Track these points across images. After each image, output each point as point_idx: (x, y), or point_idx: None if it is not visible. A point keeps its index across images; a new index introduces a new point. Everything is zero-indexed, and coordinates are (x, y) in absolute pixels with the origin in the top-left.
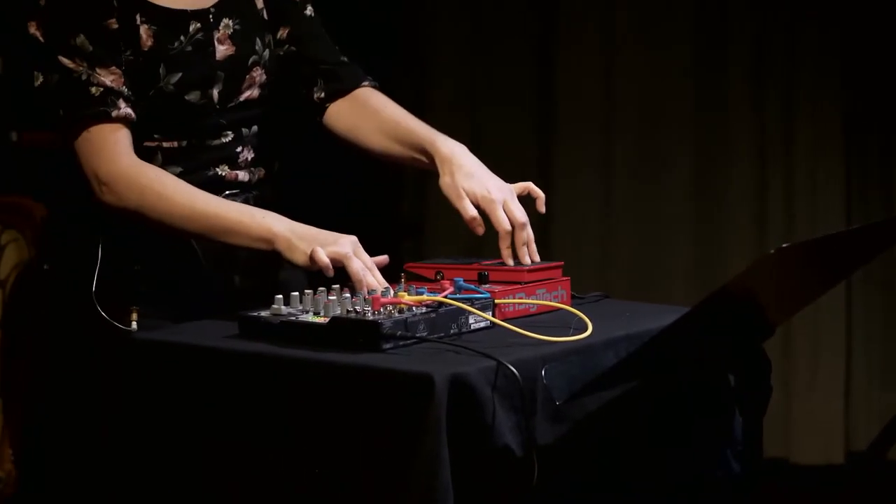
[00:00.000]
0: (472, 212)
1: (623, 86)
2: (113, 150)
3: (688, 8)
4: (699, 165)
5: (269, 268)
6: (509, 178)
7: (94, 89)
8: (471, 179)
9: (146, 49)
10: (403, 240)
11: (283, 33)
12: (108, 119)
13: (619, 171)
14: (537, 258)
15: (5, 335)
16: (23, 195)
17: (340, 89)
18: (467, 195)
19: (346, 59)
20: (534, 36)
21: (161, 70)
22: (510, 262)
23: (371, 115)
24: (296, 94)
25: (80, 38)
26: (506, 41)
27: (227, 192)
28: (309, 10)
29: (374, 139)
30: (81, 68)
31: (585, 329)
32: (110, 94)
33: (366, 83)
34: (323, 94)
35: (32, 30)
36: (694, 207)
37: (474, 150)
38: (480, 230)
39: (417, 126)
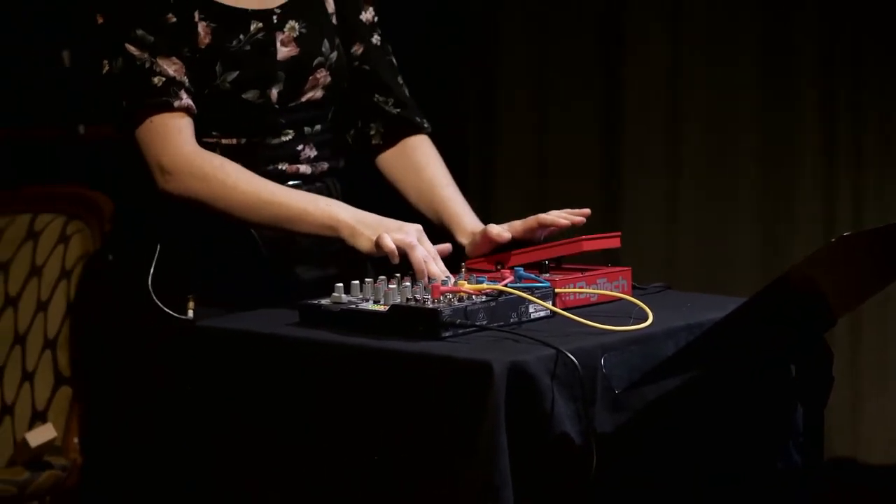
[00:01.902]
0: (497, 228)
1: (689, 86)
2: (176, 138)
3: (755, 8)
4: (765, 166)
5: (329, 258)
6: (576, 178)
7: (156, 79)
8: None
9: (203, 46)
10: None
11: (357, 49)
12: (171, 109)
13: (684, 172)
14: (585, 211)
15: (73, 325)
16: (89, 187)
17: (396, 137)
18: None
19: (406, 92)
20: (600, 37)
21: (218, 68)
22: (563, 220)
23: (413, 173)
24: (355, 120)
25: (140, 31)
26: (572, 42)
27: (290, 184)
28: (376, 39)
29: (411, 195)
30: (145, 57)
31: (646, 319)
32: (172, 85)
33: (419, 132)
34: (381, 141)
35: (99, 20)
36: (760, 208)
37: (540, 151)
38: (507, 235)
39: (450, 199)
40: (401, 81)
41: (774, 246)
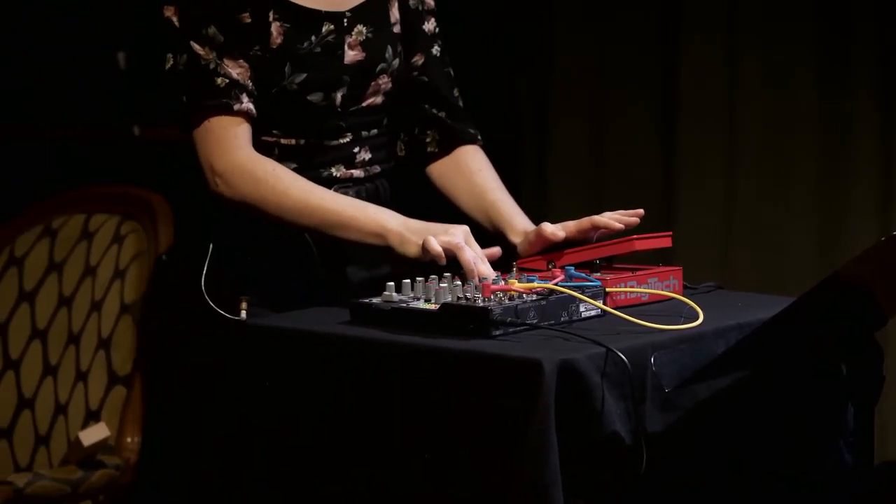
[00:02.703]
0: (552, 227)
1: (746, 89)
2: (231, 142)
3: (810, 15)
4: (821, 167)
5: (381, 259)
6: (633, 184)
7: (219, 80)
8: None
9: (275, 46)
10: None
11: (417, 59)
12: (230, 112)
13: (740, 172)
14: (639, 211)
15: (132, 324)
16: (143, 187)
17: (450, 146)
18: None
19: (461, 104)
20: (656, 41)
21: (287, 69)
22: (616, 224)
23: (465, 178)
24: (411, 128)
25: (212, 29)
26: (628, 46)
27: (337, 186)
28: (436, 49)
29: (463, 201)
30: (211, 57)
31: (696, 318)
32: (235, 87)
33: (473, 143)
34: (436, 149)
35: (168, 13)
36: (816, 209)
37: (597, 156)
38: (562, 234)
39: (501, 201)
40: (457, 94)
41: (829, 247)
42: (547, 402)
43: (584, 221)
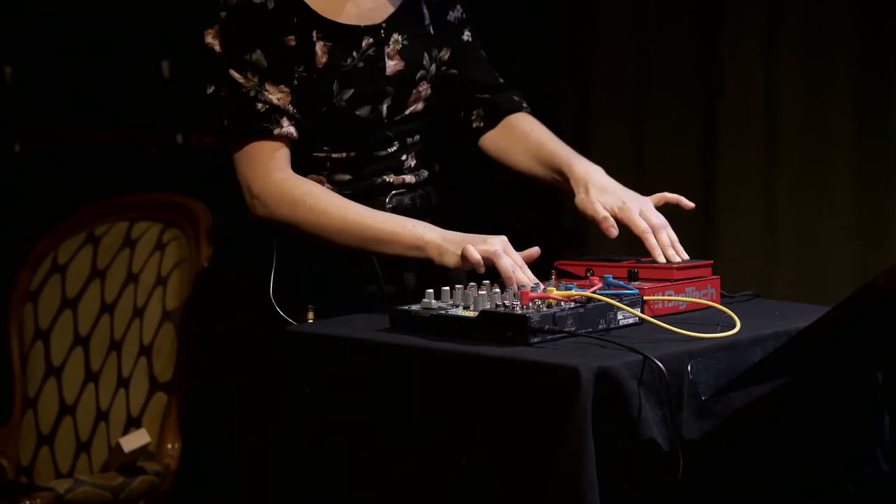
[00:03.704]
0: (603, 211)
1: (786, 96)
2: (269, 165)
3: (851, 23)
4: (862, 177)
5: (437, 267)
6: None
7: (260, 105)
8: (605, 193)
9: (321, 66)
10: (564, 247)
11: (445, 54)
12: (270, 136)
13: (782, 182)
14: (685, 255)
15: (174, 331)
16: (185, 195)
17: (497, 118)
18: (603, 207)
19: (502, 80)
20: (696, 54)
21: (335, 86)
22: (660, 258)
23: (519, 139)
24: (454, 116)
25: (257, 54)
26: (668, 58)
27: (394, 192)
28: (466, 35)
29: (521, 160)
30: (251, 83)
31: (733, 326)
32: (275, 112)
33: (519, 109)
34: (482, 124)
35: (209, 38)
36: (857, 219)
37: (637, 164)
38: (614, 231)
39: (559, 148)
40: (494, 72)
41: (871, 257)
42: (584, 408)
43: (639, 230)
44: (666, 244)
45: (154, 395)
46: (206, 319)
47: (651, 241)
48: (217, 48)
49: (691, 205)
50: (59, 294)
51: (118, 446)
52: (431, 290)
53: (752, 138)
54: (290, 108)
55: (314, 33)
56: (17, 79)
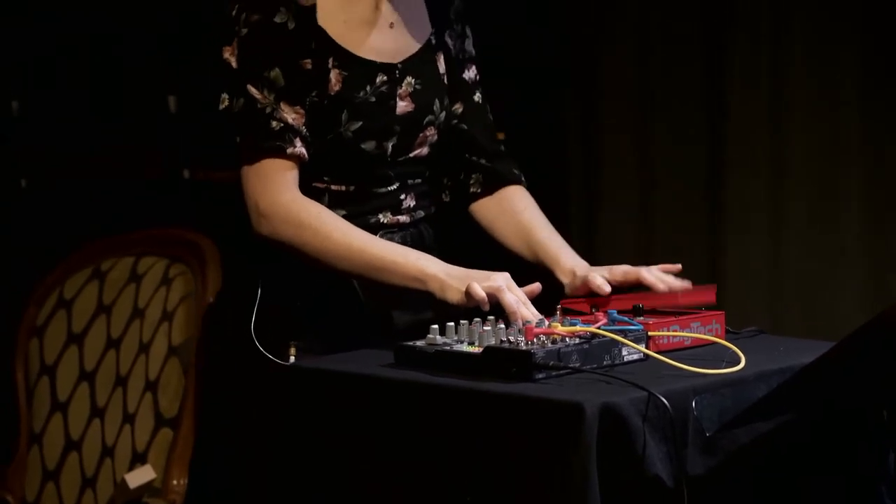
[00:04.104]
0: (599, 279)
1: (794, 133)
2: (278, 184)
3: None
4: (871, 213)
5: (425, 301)
6: (679, 226)
7: (274, 123)
8: (593, 270)
9: (333, 93)
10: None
11: (458, 107)
12: (282, 154)
13: (789, 221)
14: (687, 283)
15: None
16: (191, 229)
17: (494, 187)
18: (594, 276)
19: (503, 148)
20: (703, 75)
21: (344, 116)
22: (661, 285)
23: (510, 216)
24: (453, 173)
25: (275, 72)
26: (675, 81)
27: (384, 231)
28: (478, 97)
29: (509, 239)
30: (267, 101)
31: (738, 362)
32: (289, 131)
33: (516, 182)
34: (479, 190)
35: (227, 55)
36: (865, 254)
37: (645, 190)
38: (606, 288)
39: (548, 238)
40: (498, 140)
41: (880, 290)
42: (588, 444)
43: (632, 273)
44: (664, 277)
45: (160, 430)
46: (212, 354)
47: (648, 275)
48: (234, 64)
49: (678, 267)
50: (65, 329)
51: (123, 482)
52: (436, 326)
53: (758, 176)
54: (304, 129)
55: (330, 60)
56: (23, 113)
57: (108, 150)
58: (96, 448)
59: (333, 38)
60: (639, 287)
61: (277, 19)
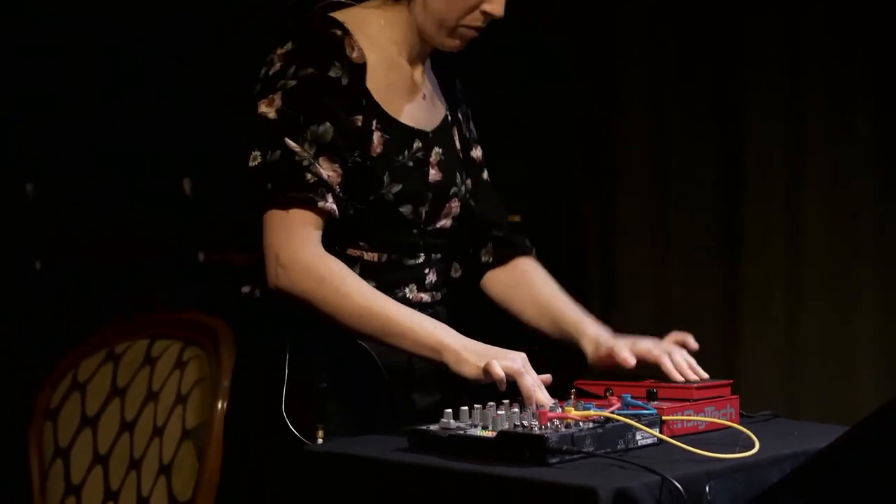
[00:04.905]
0: (626, 353)
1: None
2: (303, 237)
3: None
4: (887, 301)
5: (448, 385)
6: (697, 294)
7: (309, 176)
8: (617, 340)
9: (375, 155)
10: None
11: (469, 183)
12: (312, 207)
13: (806, 294)
14: (704, 374)
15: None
16: (206, 313)
17: (506, 257)
18: (618, 347)
19: (511, 225)
20: (718, 161)
21: (386, 177)
22: (678, 378)
23: (526, 288)
24: (464, 249)
25: (325, 126)
26: (692, 148)
27: None
28: (486, 175)
29: (527, 312)
30: (306, 154)
31: (752, 447)
32: (322, 185)
33: (527, 254)
34: (491, 259)
35: (262, 108)
36: (881, 342)
37: (661, 264)
38: (631, 361)
39: (569, 309)
40: (507, 215)
41: (895, 379)
42: None
43: (653, 355)
44: (682, 365)
45: None
46: (227, 437)
47: (667, 363)
48: (271, 116)
49: (695, 346)
50: (79, 412)
51: None
52: (450, 410)
53: (774, 256)
54: (337, 188)
55: (374, 122)
56: (38, 196)
57: (124, 233)
58: None
59: (377, 100)
60: (656, 369)
61: (332, 74)
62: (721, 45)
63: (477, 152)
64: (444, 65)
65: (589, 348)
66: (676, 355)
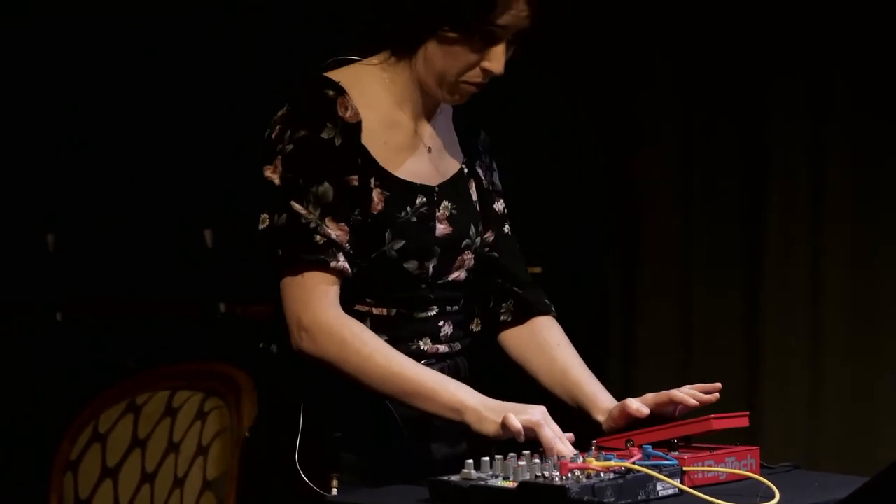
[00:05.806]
0: (636, 403)
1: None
2: (321, 299)
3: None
4: None
5: (464, 435)
6: (719, 363)
7: (318, 238)
8: (628, 399)
9: (375, 212)
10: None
11: (489, 236)
12: (325, 268)
13: (826, 342)
14: (718, 387)
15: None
16: (227, 363)
17: (524, 316)
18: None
19: (531, 280)
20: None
21: (387, 234)
22: (691, 401)
23: (544, 351)
24: (484, 302)
25: (323, 187)
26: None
27: (423, 362)
28: (507, 228)
29: (542, 375)
30: (312, 216)
31: (772, 498)
32: (332, 246)
33: (547, 313)
34: (510, 318)
35: (268, 173)
36: None
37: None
38: (645, 410)
39: (582, 380)
40: (527, 269)
41: None
42: None
43: (663, 395)
44: (693, 392)
45: None
46: (248, 488)
47: (679, 394)
48: (276, 181)
49: (717, 385)
50: (100, 463)
51: None
52: (471, 461)
53: (795, 308)
54: (347, 246)
55: (372, 180)
56: (59, 247)
57: (145, 283)
58: None
59: (375, 158)
60: (673, 417)
61: (324, 135)
62: (745, 107)
63: (499, 205)
64: (469, 115)
65: (601, 417)
66: (685, 388)
